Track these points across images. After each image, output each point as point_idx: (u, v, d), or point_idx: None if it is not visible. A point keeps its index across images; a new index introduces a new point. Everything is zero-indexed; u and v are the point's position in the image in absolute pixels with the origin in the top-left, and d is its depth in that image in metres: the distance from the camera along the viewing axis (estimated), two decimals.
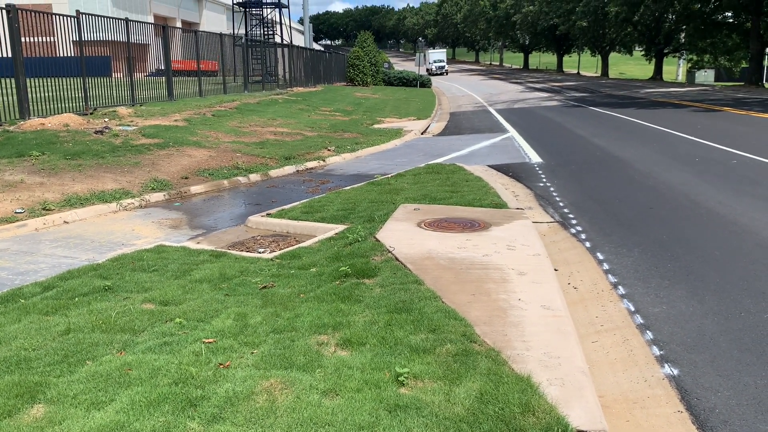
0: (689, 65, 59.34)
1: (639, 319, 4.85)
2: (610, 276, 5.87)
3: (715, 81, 57.48)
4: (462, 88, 50.45)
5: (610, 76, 67.82)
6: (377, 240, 6.62)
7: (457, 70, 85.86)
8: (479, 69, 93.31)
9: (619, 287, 5.56)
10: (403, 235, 6.79)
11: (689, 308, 5.01)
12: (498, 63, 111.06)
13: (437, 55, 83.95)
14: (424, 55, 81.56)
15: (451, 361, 3.76)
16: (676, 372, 4.00)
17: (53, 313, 4.73)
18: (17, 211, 8.32)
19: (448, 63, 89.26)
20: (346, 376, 3.59)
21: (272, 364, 3.77)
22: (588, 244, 6.92)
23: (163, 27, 20.25)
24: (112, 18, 17.28)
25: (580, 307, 5.29)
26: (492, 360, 3.79)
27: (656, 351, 4.32)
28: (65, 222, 8.34)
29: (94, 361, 3.87)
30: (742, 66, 54.49)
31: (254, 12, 39.78)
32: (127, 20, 17.52)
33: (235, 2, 42.02)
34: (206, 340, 4.15)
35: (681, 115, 21.59)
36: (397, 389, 3.45)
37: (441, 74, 77.63)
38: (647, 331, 4.63)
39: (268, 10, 39.87)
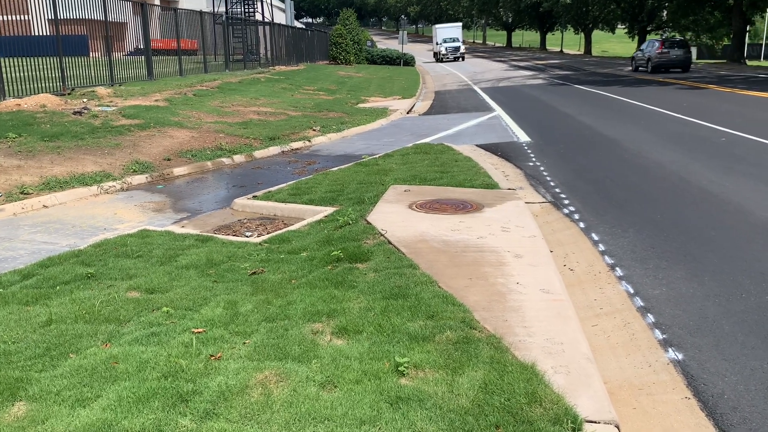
0: None
1: (639, 302, 4.75)
2: (606, 257, 5.76)
3: (697, 59, 57.62)
4: (446, 66, 50.10)
5: (593, 54, 67.71)
6: (368, 223, 6.46)
7: None
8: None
9: (617, 269, 5.46)
10: (395, 217, 6.64)
11: (689, 290, 4.91)
12: (481, 41, 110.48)
13: (449, 31, 60.81)
14: (432, 33, 62.52)
15: (452, 349, 3.62)
16: (680, 356, 3.91)
17: (34, 302, 4.53)
18: None
19: (428, 42, 72.90)
20: (344, 366, 3.44)
21: (266, 354, 3.62)
22: (582, 225, 6.81)
23: (142, 5, 19.73)
24: None
25: (577, 290, 5.18)
26: (494, 347, 3.66)
27: (659, 335, 4.22)
28: (44, 206, 8.08)
29: (77, 354, 3.69)
30: (724, 44, 54.61)
31: None
32: None
33: None
34: (195, 330, 3.98)
35: (666, 93, 21.54)
36: (398, 380, 3.31)
37: (456, 60, 56.67)
38: (648, 314, 4.53)
39: None
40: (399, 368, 3.39)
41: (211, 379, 3.33)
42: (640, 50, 36.14)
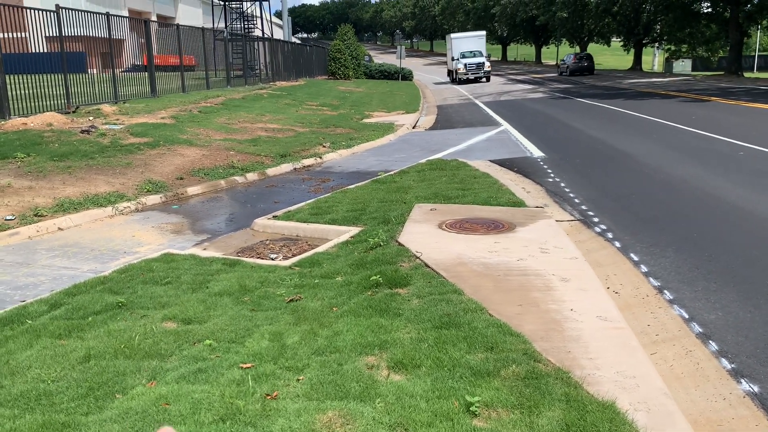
0: (666, 55, 59.64)
1: (697, 328, 4.55)
2: (651, 279, 5.58)
3: (692, 71, 57.88)
4: (444, 80, 50.11)
5: None
6: (400, 244, 6.26)
7: (436, 63, 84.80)
8: None
9: (665, 291, 5.27)
10: (427, 238, 6.44)
11: (747, 315, 4.73)
12: None
13: (469, 42, 46.23)
14: (447, 46, 49.47)
15: (522, 386, 3.42)
16: (756, 389, 3.71)
17: (67, 336, 4.31)
18: (7, 218, 7.82)
19: (424, 56, 67.86)
20: (411, 406, 3.23)
21: (324, 393, 3.40)
22: (617, 244, 6.63)
23: (144, 22, 19.61)
24: (92, 12, 16.62)
25: (627, 314, 4.98)
26: (565, 383, 3.46)
27: (726, 364, 4.03)
28: (60, 228, 7.86)
29: (123, 394, 3.47)
30: (720, 56, 54.91)
31: (234, 6, 39.05)
32: (108, 15, 16.88)
33: None
34: (244, 365, 3.77)
35: (671, 106, 21.50)
36: (472, 422, 3.11)
37: (479, 80, 42.83)
38: (710, 342, 4.33)
39: (248, 3, 39.12)
40: (470, 408, 3.19)
41: (273, 422, 3.11)
42: (563, 60, 52.52)
